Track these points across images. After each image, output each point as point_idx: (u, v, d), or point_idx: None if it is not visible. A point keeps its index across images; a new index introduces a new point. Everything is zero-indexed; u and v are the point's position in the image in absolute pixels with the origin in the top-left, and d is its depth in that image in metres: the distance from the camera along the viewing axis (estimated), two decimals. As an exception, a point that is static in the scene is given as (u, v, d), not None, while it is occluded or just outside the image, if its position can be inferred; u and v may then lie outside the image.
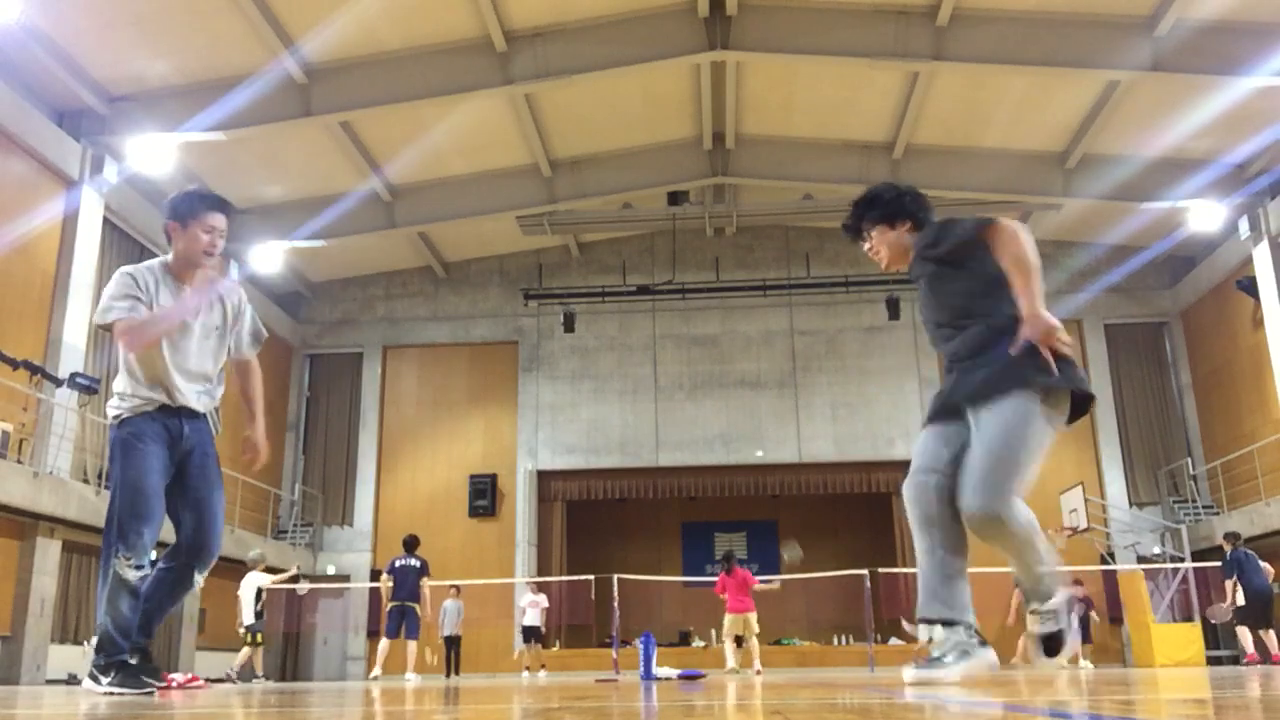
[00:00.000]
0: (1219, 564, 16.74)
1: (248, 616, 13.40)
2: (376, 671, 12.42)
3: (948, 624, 3.43)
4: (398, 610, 12.42)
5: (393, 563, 12.76)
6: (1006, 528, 3.33)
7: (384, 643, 12.52)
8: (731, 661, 13.04)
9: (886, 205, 3.78)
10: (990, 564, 17.87)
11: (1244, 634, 13.06)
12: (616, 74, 14.90)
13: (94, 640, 4.12)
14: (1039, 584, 3.45)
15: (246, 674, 13.25)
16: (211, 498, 4.28)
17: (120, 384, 4.14)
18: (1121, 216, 18.49)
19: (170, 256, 4.22)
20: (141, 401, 4.10)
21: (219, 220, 4.19)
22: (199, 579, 4.25)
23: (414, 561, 12.61)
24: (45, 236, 13.92)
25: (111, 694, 3.90)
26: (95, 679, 4.02)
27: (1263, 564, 13.05)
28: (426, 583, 12.63)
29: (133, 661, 4.03)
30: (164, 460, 4.10)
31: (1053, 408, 3.50)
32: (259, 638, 13.52)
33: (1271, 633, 12.74)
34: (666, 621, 20.87)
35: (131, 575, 3.98)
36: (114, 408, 4.13)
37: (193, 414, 4.23)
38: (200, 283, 4.23)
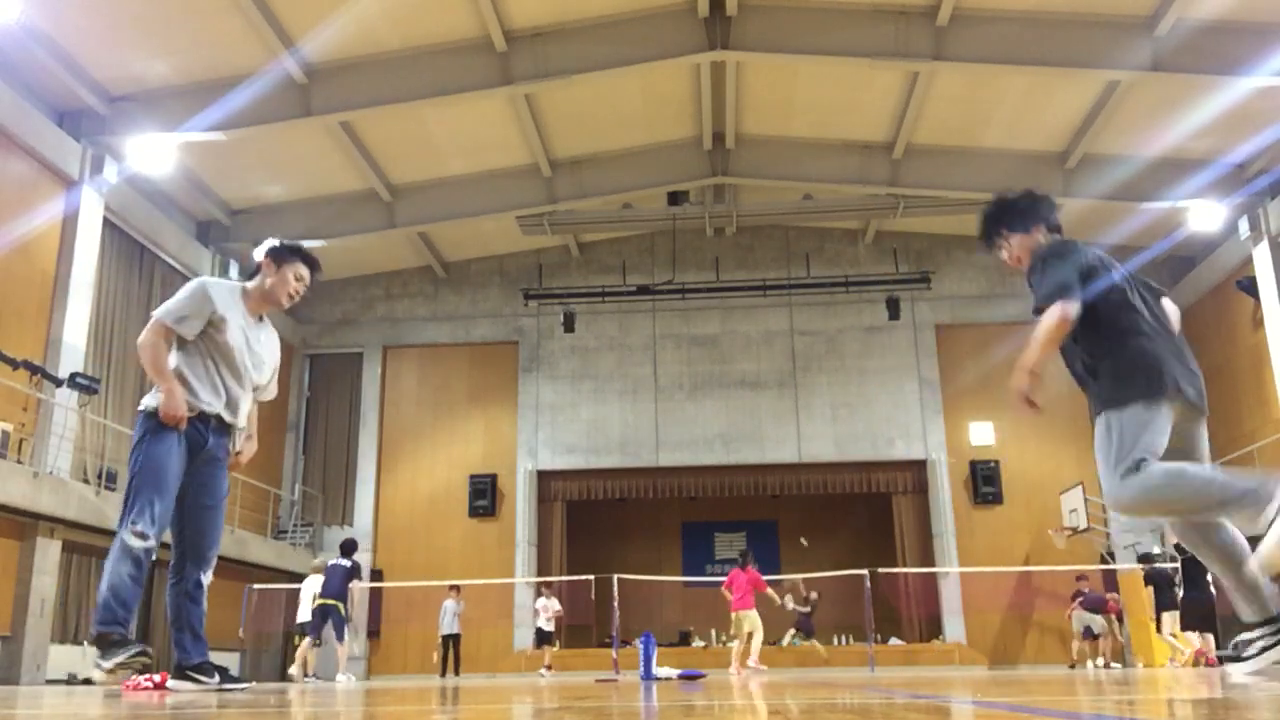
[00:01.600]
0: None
1: (304, 614, 13.77)
2: (294, 670, 12.81)
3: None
4: (320, 610, 12.96)
5: (325, 562, 13.45)
6: (1141, 506, 3.29)
7: (305, 642, 13.10)
8: (754, 659, 13.21)
9: (1022, 212, 3.83)
10: (991, 564, 17.72)
11: (1188, 637, 13.14)
12: (616, 74, 14.89)
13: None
14: (1244, 506, 3.15)
15: (313, 673, 13.38)
16: (218, 509, 4.50)
17: (182, 369, 4.39)
18: (1121, 216, 18.48)
19: (251, 284, 4.58)
20: (188, 400, 4.33)
21: (307, 274, 4.61)
22: (205, 580, 4.45)
23: (345, 563, 13.16)
24: (45, 236, 13.92)
25: (114, 672, 4.05)
26: (98, 665, 4.12)
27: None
28: (355, 585, 13.17)
29: (130, 638, 4.14)
30: (183, 459, 4.29)
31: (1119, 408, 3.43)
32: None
33: (1210, 637, 12.82)
34: (666, 621, 20.87)
35: (136, 544, 4.10)
36: (153, 399, 4.32)
37: (220, 426, 4.45)
38: (265, 325, 4.67)
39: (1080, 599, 16.67)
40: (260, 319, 4.63)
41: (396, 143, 16.53)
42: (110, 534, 15.18)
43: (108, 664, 4.06)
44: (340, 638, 13.00)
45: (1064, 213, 18.75)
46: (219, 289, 4.45)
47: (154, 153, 14.64)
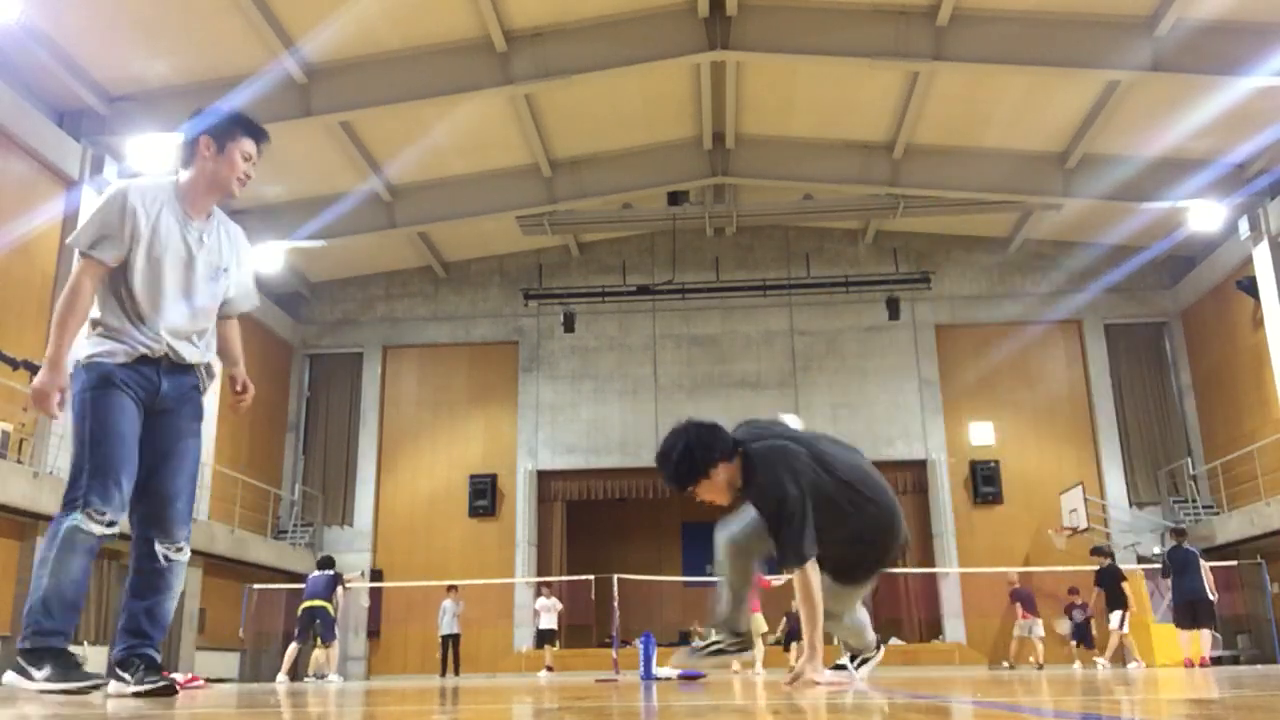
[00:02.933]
0: (1228, 564, 16.81)
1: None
2: (282, 676, 12.92)
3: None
4: (307, 612, 13.18)
5: (308, 576, 13.97)
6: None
7: (292, 645, 13.31)
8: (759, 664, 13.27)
9: (706, 451, 3.87)
10: (991, 564, 17.70)
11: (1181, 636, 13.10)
12: (616, 74, 14.89)
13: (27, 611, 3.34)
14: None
15: (321, 672, 13.46)
16: (184, 467, 3.57)
17: (96, 314, 3.48)
18: (1121, 216, 18.49)
19: (184, 177, 3.62)
20: (117, 346, 3.44)
21: (255, 149, 3.69)
22: (184, 553, 3.53)
23: (327, 572, 13.60)
24: (45, 236, 13.92)
25: (47, 692, 3.18)
26: (24, 672, 3.25)
27: (1205, 565, 12.86)
28: (341, 590, 13.60)
29: (70, 650, 3.32)
30: (138, 417, 3.44)
31: None
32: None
33: (1205, 633, 12.57)
34: (666, 621, 20.86)
35: (93, 529, 3.30)
36: (84, 348, 3.44)
37: (175, 366, 3.55)
38: (215, 223, 3.75)
39: (1015, 598, 16.76)
40: (209, 216, 3.71)
41: (396, 143, 16.53)
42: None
43: (36, 684, 3.19)
44: (329, 639, 13.12)
45: (1064, 213, 18.77)
46: (142, 193, 3.50)
47: (154, 153, 14.62)
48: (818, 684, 3.55)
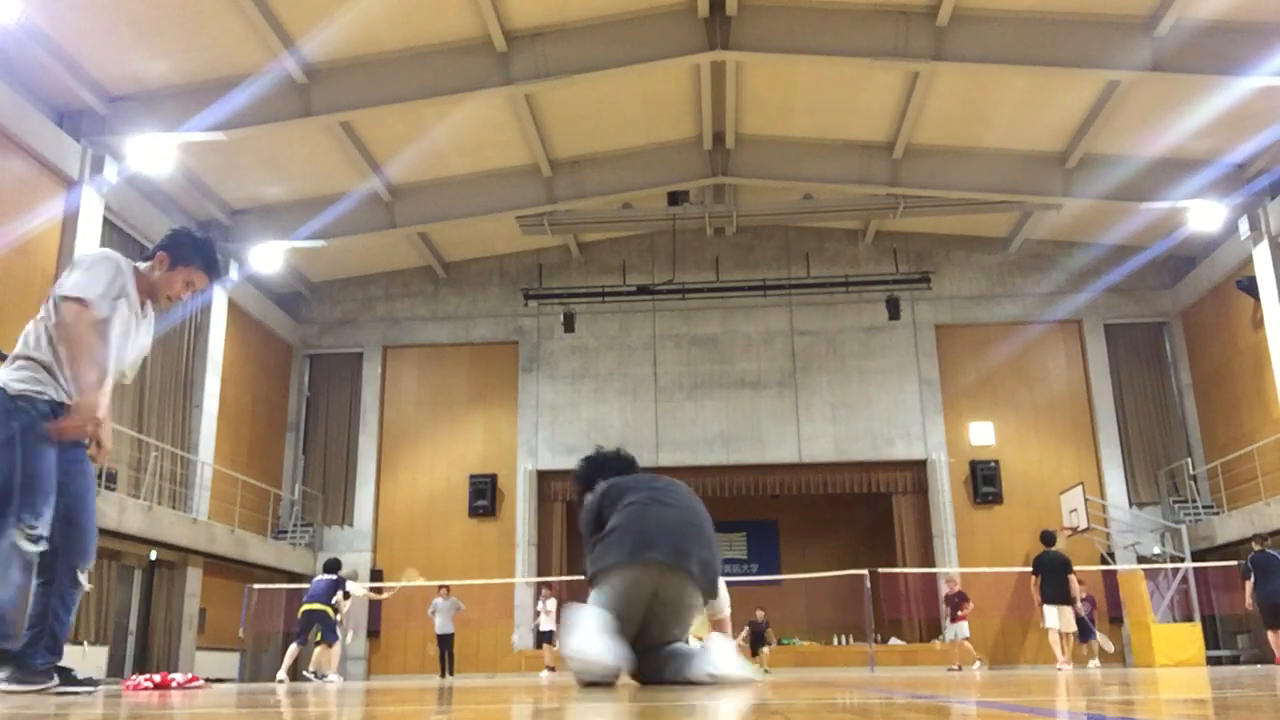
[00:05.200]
0: (1228, 564, 16.73)
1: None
2: (282, 675, 12.95)
3: None
4: (306, 615, 13.25)
5: (313, 578, 14.02)
6: None
7: (292, 646, 13.38)
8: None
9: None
10: (991, 564, 17.70)
11: (1272, 638, 12.97)
12: (616, 74, 14.89)
13: None
14: None
15: (321, 671, 13.48)
16: (89, 497, 3.93)
17: (39, 353, 3.77)
18: (1121, 216, 18.49)
19: (142, 266, 4.04)
20: (47, 389, 3.74)
21: (203, 280, 4.09)
22: (84, 579, 3.90)
23: (329, 576, 13.60)
24: (45, 236, 13.92)
25: (10, 692, 3.54)
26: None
27: None
28: (341, 595, 13.54)
29: (19, 651, 3.65)
30: (55, 450, 3.77)
31: None
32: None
33: None
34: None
35: (29, 547, 3.59)
36: (20, 380, 3.72)
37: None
38: (147, 312, 4.10)
39: (948, 602, 16.38)
40: (144, 308, 4.04)
41: (396, 143, 16.52)
42: (110, 534, 15.10)
43: (17, 686, 3.56)
44: (330, 640, 13.16)
45: (1064, 213, 18.84)
46: (126, 271, 3.88)
47: (154, 153, 14.64)
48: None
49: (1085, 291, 20.15)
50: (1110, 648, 16.06)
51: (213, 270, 4.09)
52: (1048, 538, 13.63)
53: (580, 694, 3.49)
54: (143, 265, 4.00)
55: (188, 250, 4.02)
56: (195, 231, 4.16)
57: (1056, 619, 13.03)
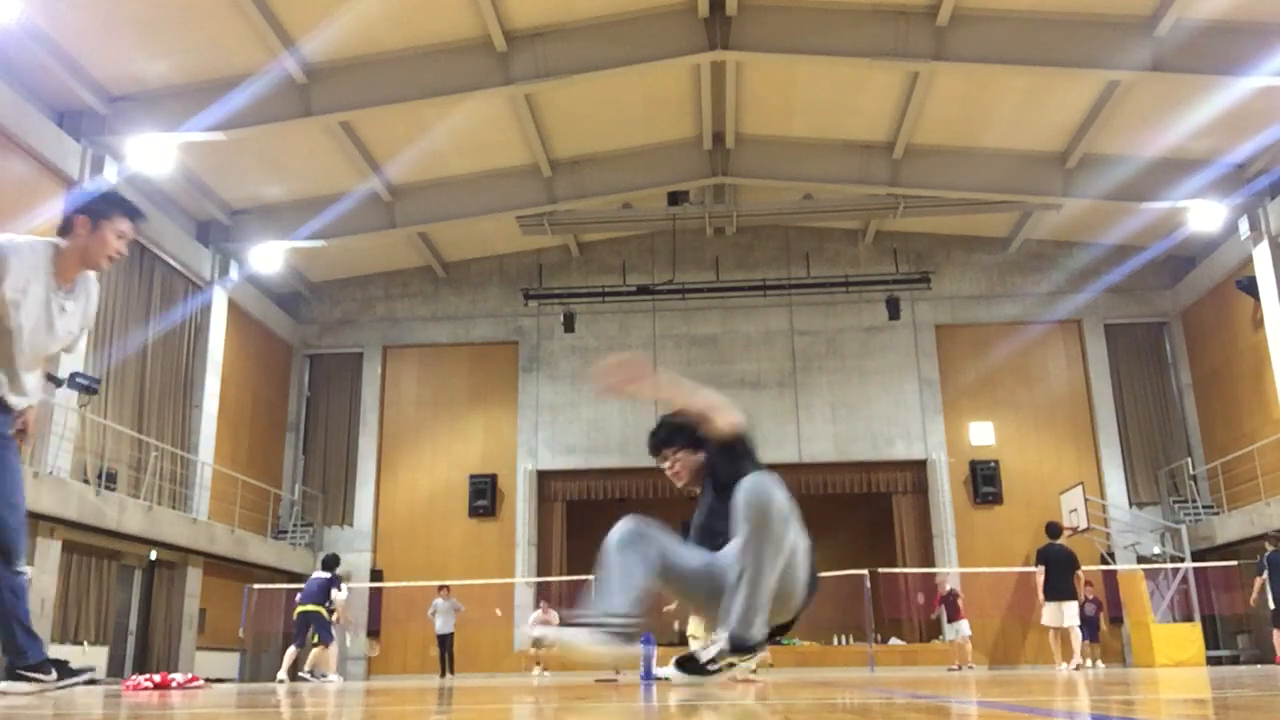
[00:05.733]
0: (1228, 564, 16.72)
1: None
2: (282, 675, 12.90)
3: None
4: (301, 617, 13.19)
5: (309, 577, 13.87)
6: None
7: (291, 648, 13.22)
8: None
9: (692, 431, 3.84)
10: (991, 564, 17.63)
11: (1276, 637, 12.92)
12: (616, 74, 14.89)
13: None
14: None
15: (320, 672, 13.45)
16: (17, 493, 3.85)
17: None
18: (1121, 216, 18.48)
19: (63, 243, 3.84)
20: None
21: (129, 227, 3.92)
22: (29, 571, 3.87)
23: (324, 574, 13.45)
24: (45, 236, 13.90)
25: (9, 693, 3.65)
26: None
27: None
28: (337, 595, 13.37)
29: None
30: None
31: None
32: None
33: None
34: (666, 621, 20.85)
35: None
36: None
37: (4, 407, 3.82)
38: (78, 289, 3.92)
39: (943, 601, 16.30)
40: (73, 285, 3.90)
41: (396, 143, 16.52)
42: (110, 534, 15.10)
43: (24, 686, 3.70)
44: (326, 640, 13.10)
45: (1064, 213, 18.83)
46: (21, 254, 3.71)
47: (154, 153, 14.63)
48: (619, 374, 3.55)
49: (1085, 291, 20.15)
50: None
51: (133, 213, 3.94)
52: (1053, 530, 12.98)
53: (580, 694, 3.50)
54: (62, 241, 3.84)
55: (101, 204, 3.88)
56: (96, 190, 4.10)
57: (1057, 616, 12.33)
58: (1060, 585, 12.34)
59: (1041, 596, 12.54)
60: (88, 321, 4.03)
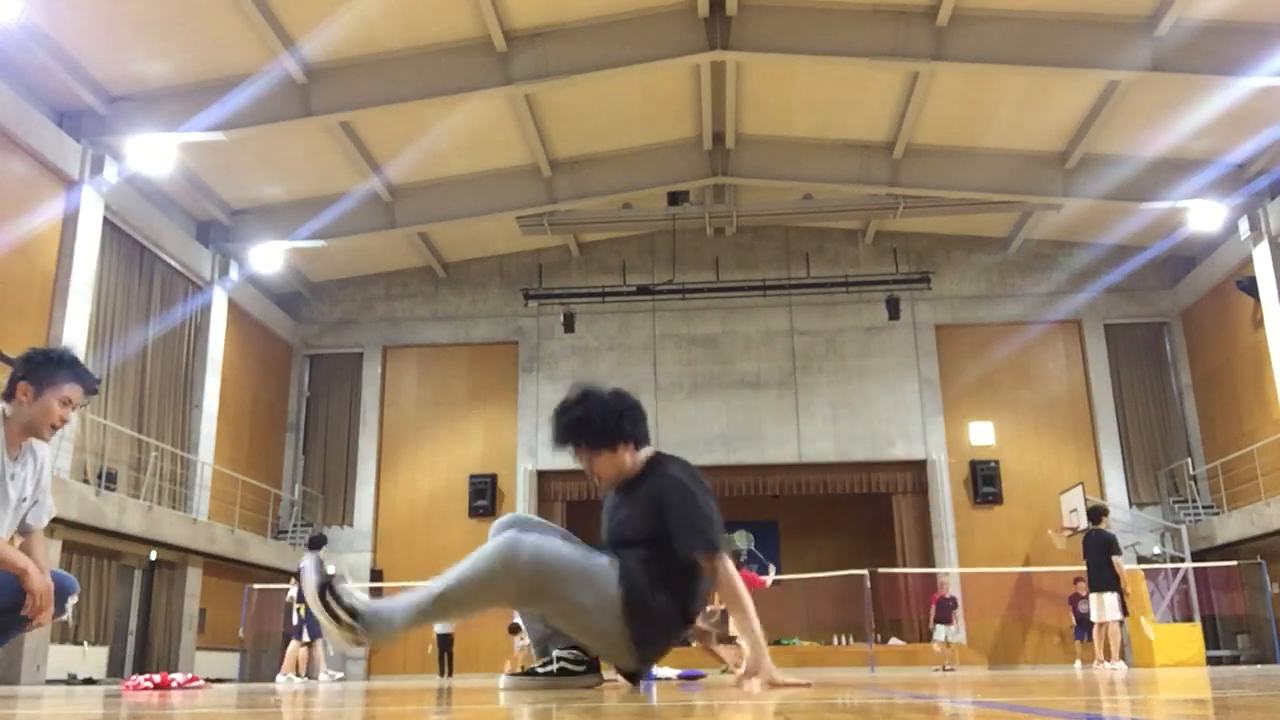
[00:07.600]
0: (1228, 564, 16.71)
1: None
2: (290, 674, 12.67)
3: None
4: (309, 613, 12.64)
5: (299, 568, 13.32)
6: None
7: (292, 644, 12.87)
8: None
9: (605, 432, 3.50)
10: (991, 564, 17.63)
11: None
12: (616, 74, 14.89)
13: None
14: None
15: (314, 671, 13.30)
16: None
17: None
18: (1121, 216, 18.49)
19: (7, 408, 3.57)
20: None
21: (78, 394, 3.65)
22: None
23: (312, 557, 12.67)
24: (45, 236, 13.92)
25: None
26: None
27: None
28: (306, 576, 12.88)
29: None
30: None
31: None
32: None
33: None
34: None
35: None
36: None
37: None
38: (25, 455, 3.64)
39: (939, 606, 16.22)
40: (20, 451, 3.60)
41: (396, 143, 16.53)
42: (110, 534, 15.10)
43: None
44: (314, 635, 12.84)
45: (1064, 213, 18.80)
46: None
47: (154, 153, 14.65)
48: (779, 684, 3.21)
49: (1085, 291, 20.15)
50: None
51: (83, 378, 3.68)
52: (1093, 514, 11.65)
53: (579, 694, 3.49)
54: (6, 407, 3.56)
55: (48, 370, 3.58)
56: (47, 349, 3.72)
57: (1098, 609, 11.20)
58: (1096, 575, 11.19)
59: (1086, 589, 11.68)
60: (42, 488, 3.74)
